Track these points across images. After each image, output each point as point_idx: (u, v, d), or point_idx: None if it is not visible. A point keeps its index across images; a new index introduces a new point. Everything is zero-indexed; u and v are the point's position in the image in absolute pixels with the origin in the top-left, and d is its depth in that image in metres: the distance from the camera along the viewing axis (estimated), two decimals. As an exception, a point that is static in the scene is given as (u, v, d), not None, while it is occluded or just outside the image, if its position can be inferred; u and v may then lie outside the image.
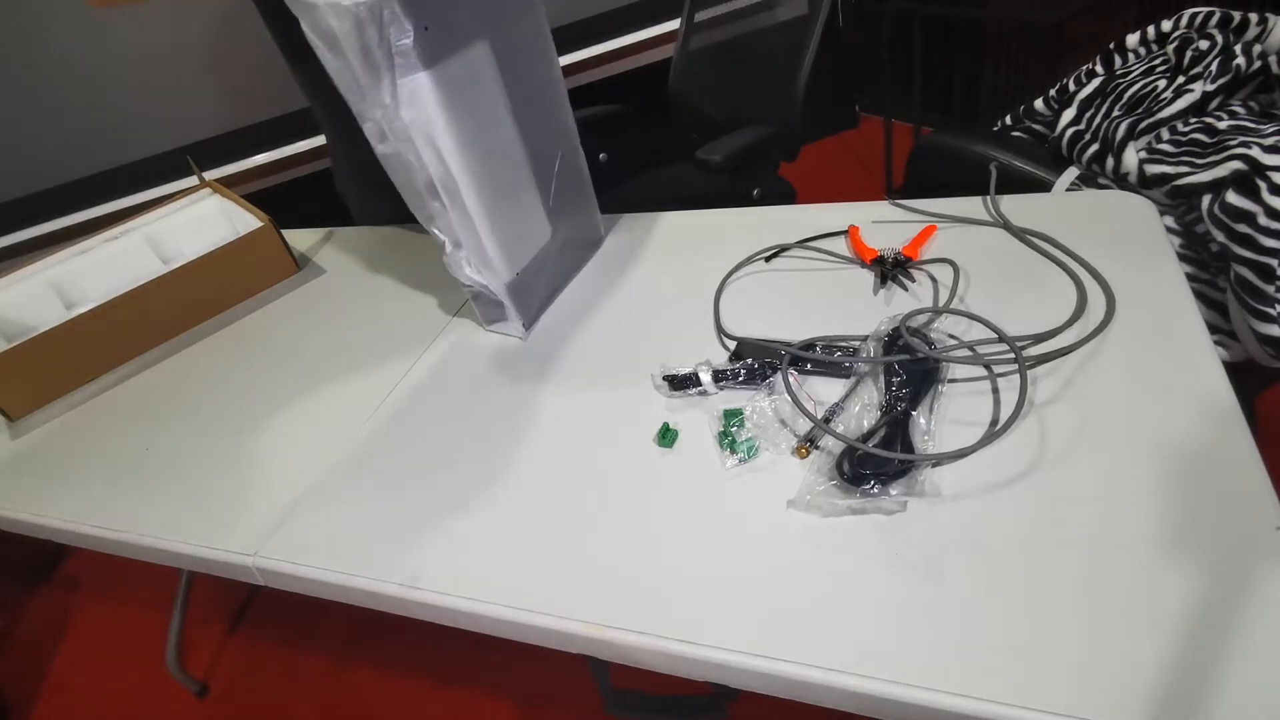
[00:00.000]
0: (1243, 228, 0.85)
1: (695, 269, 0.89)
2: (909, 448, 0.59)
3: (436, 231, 0.79)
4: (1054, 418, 0.59)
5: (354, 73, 0.65)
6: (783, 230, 0.91)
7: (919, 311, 0.72)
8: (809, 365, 0.70)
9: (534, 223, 0.85)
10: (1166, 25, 1.12)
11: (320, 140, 1.85)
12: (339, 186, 1.29)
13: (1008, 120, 1.30)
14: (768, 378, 0.69)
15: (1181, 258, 0.90)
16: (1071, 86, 1.19)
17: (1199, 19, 1.08)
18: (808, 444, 0.62)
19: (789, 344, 0.72)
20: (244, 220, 1.15)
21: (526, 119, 0.80)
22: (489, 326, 0.89)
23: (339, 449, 0.76)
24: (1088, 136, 1.08)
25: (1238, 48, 1.00)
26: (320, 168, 1.92)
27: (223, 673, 1.42)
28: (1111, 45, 1.18)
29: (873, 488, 0.56)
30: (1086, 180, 1.07)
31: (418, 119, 0.69)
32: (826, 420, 0.63)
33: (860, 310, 0.76)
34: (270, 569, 0.65)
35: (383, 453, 0.74)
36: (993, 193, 0.87)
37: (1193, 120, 1.00)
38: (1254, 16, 1.03)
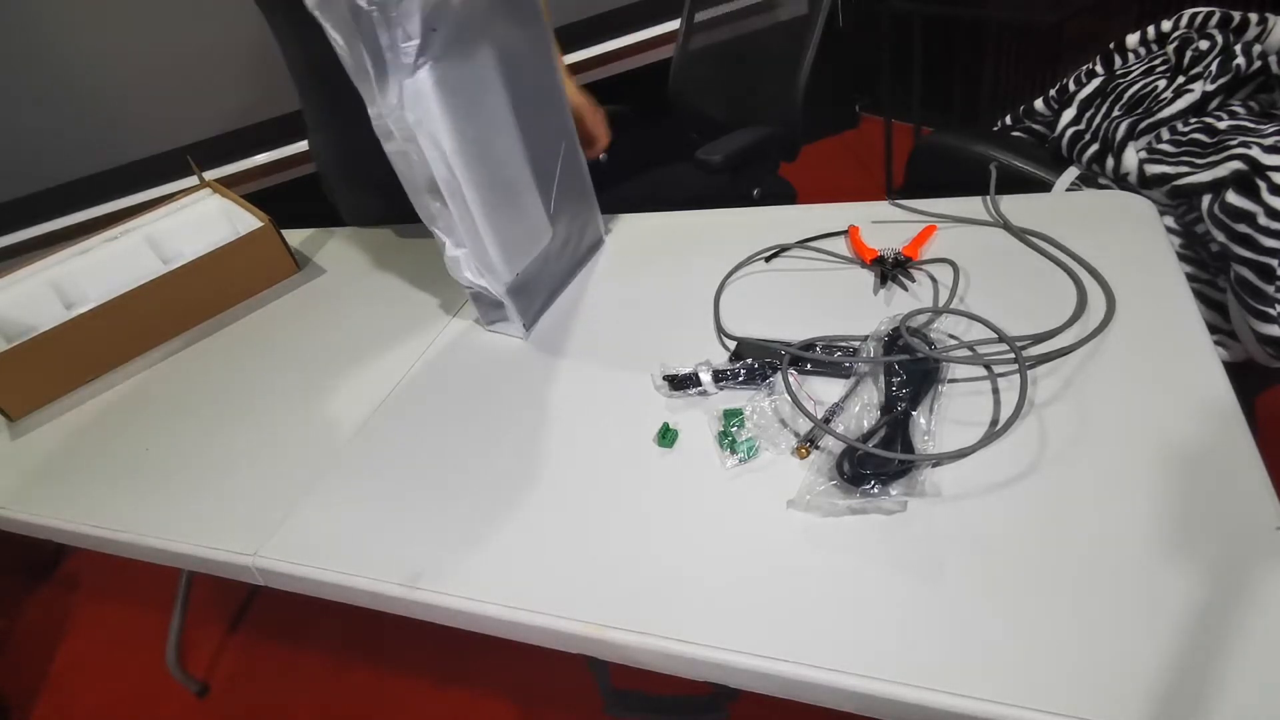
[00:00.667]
0: (1243, 228, 0.85)
1: (695, 269, 0.89)
2: (909, 448, 0.59)
3: (438, 232, 0.79)
4: (1054, 418, 0.59)
5: (367, 72, 0.66)
6: (783, 230, 0.91)
7: (919, 311, 0.72)
8: (809, 365, 0.70)
9: (535, 224, 0.85)
10: (1166, 25, 1.12)
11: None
12: (325, 186, 1.28)
13: (1008, 120, 1.30)
14: (768, 378, 0.69)
15: (1181, 258, 0.90)
16: (1071, 86, 1.19)
17: (1199, 19, 1.08)
18: (808, 444, 0.62)
19: (789, 344, 0.72)
20: (244, 220, 1.15)
21: (528, 120, 0.81)
22: (489, 326, 0.89)
23: (339, 449, 0.76)
24: (1088, 136, 1.08)
25: (1238, 48, 1.00)
26: (320, 168, 1.92)
27: (223, 673, 1.42)
28: (1111, 45, 1.18)
29: (873, 488, 0.56)
30: (1086, 180, 1.07)
31: (422, 119, 0.69)
32: (826, 420, 0.63)
33: (860, 310, 0.76)
34: (270, 569, 0.65)
35: (383, 453, 0.74)
36: (993, 193, 0.87)
37: (1193, 120, 1.00)
38: (1254, 16, 1.03)
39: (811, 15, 1.30)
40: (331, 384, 0.87)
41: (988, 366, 0.65)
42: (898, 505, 0.55)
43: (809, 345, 0.72)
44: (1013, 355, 0.64)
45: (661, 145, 1.68)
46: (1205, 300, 0.94)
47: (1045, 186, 1.10)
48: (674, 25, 1.87)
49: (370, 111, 0.70)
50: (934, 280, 0.78)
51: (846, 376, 0.68)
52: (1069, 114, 1.13)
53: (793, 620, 0.50)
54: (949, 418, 0.62)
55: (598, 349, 0.81)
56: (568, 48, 2.06)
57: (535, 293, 0.88)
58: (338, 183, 1.24)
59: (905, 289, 0.78)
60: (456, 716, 1.24)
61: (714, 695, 0.71)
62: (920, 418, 0.61)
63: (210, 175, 1.34)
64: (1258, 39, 1.02)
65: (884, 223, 0.88)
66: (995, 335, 0.68)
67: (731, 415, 0.66)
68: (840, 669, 0.47)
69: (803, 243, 0.88)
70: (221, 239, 1.09)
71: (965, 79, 2.21)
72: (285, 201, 1.33)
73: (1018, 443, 0.58)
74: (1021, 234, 0.80)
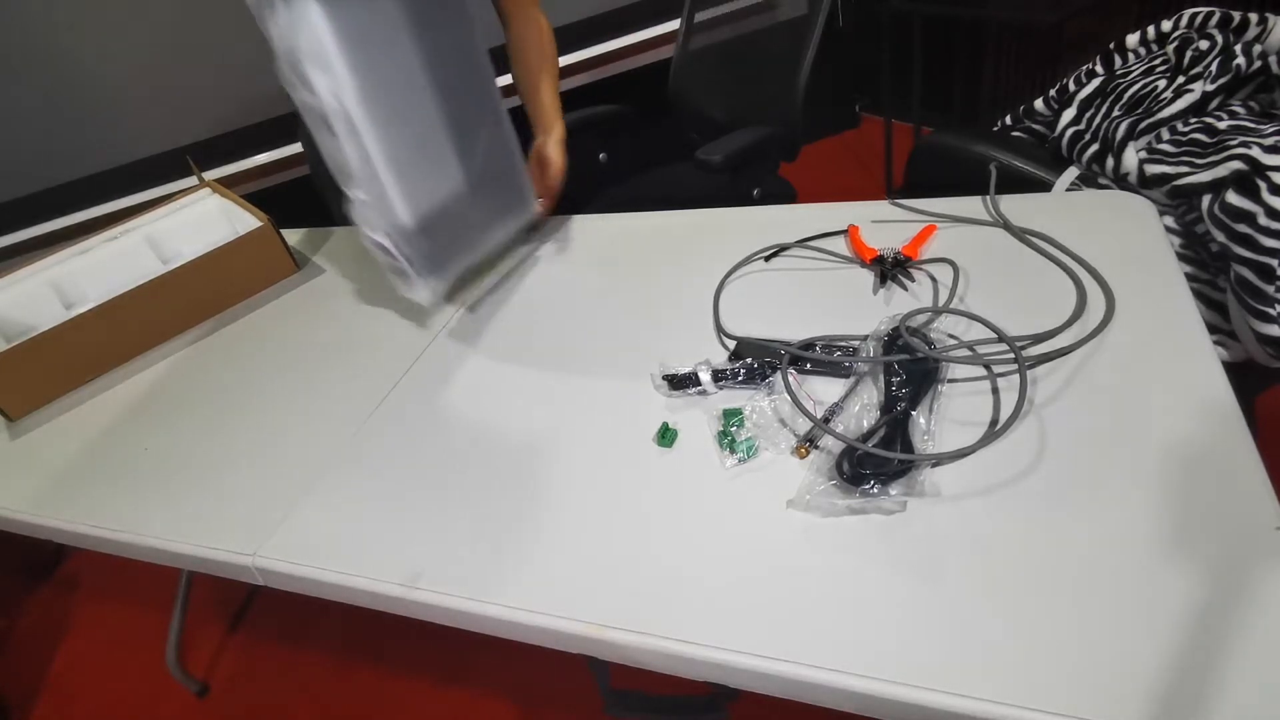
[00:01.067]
0: (1243, 228, 0.85)
1: (695, 269, 0.89)
2: (909, 448, 0.59)
3: (347, 189, 0.78)
4: (1054, 418, 0.59)
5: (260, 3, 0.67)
6: (783, 230, 0.91)
7: (919, 311, 0.72)
8: (809, 365, 0.70)
9: (444, 172, 0.83)
10: (1166, 25, 1.12)
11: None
12: (318, 186, 1.28)
13: (1008, 120, 1.30)
14: (767, 377, 0.69)
15: (1181, 258, 0.90)
16: (1071, 86, 1.19)
17: (1199, 19, 1.08)
18: (807, 444, 0.62)
19: (789, 344, 0.72)
20: (244, 220, 1.15)
21: (444, 78, 0.80)
22: (406, 293, 0.86)
23: (339, 448, 0.76)
24: (1088, 136, 1.08)
25: (1238, 48, 1.00)
26: (320, 168, 1.92)
27: (223, 673, 1.42)
28: (1111, 45, 1.18)
29: (872, 488, 0.56)
30: (1086, 180, 1.07)
31: (317, 51, 0.70)
32: (826, 420, 0.63)
33: (860, 310, 0.76)
34: (270, 569, 0.65)
35: (382, 452, 0.74)
36: (992, 193, 0.87)
37: (1193, 120, 1.00)
38: (1254, 16, 1.03)
39: (811, 15, 1.30)
40: (331, 383, 0.87)
41: (987, 366, 0.65)
42: (897, 505, 0.55)
43: (809, 345, 0.72)
44: (1012, 355, 0.64)
45: (661, 145, 1.68)
46: (1205, 300, 0.94)
47: (1045, 186, 1.10)
48: (674, 25, 1.87)
49: (275, 58, 0.70)
50: (934, 280, 0.78)
51: (846, 376, 0.68)
52: (1069, 114, 1.13)
53: (792, 620, 0.50)
54: (949, 418, 0.62)
55: (597, 348, 0.81)
56: (568, 48, 2.07)
57: (446, 252, 0.86)
58: (329, 183, 1.24)
59: (905, 289, 0.78)
60: (456, 716, 1.24)
61: (714, 695, 0.71)
62: (920, 418, 0.61)
63: (210, 175, 1.34)
64: (1258, 39, 1.02)
65: (884, 222, 0.88)
66: (995, 335, 0.68)
67: (731, 415, 0.66)
68: (840, 669, 0.46)
69: (802, 242, 0.88)
70: (221, 239, 1.09)
71: (965, 79, 2.21)
72: (285, 201, 1.33)
73: (1017, 443, 0.58)
74: (1021, 234, 0.80)
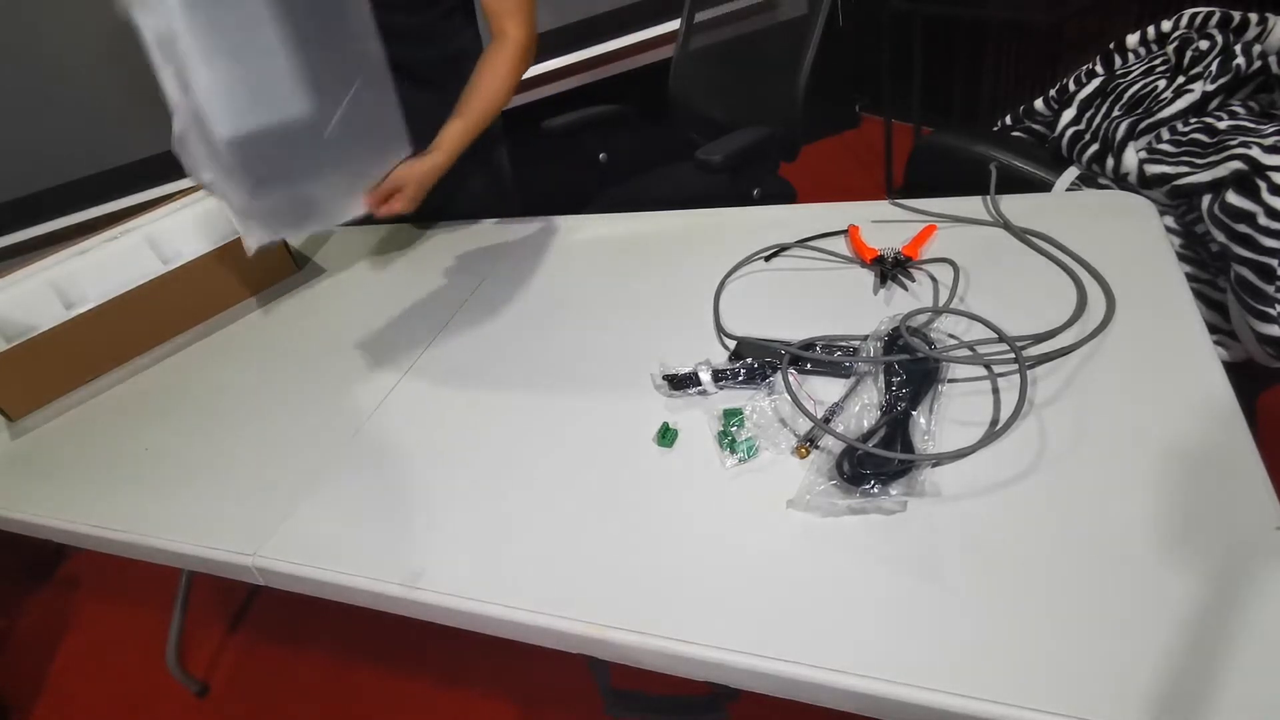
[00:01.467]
0: (1243, 228, 0.85)
1: (695, 269, 0.89)
2: (909, 448, 0.59)
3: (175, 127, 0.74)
4: (1054, 418, 0.59)
5: None
6: (783, 230, 0.91)
7: (919, 311, 0.72)
8: (809, 365, 0.70)
9: (281, 90, 0.76)
10: (1166, 25, 1.12)
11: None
12: None
13: (1008, 120, 1.30)
14: (768, 377, 0.69)
15: (1181, 258, 0.90)
16: (1071, 86, 1.19)
17: (1199, 19, 1.08)
18: (808, 444, 0.62)
19: (789, 344, 0.72)
20: (244, 220, 1.15)
21: (305, 29, 0.74)
22: (247, 241, 0.81)
23: (339, 449, 0.76)
24: (1088, 136, 1.09)
25: (1238, 48, 1.00)
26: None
27: (223, 673, 1.42)
28: (1111, 45, 1.18)
29: (873, 488, 0.56)
30: (1086, 180, 1.08)
31: None
32: (826, 420, 0.63)
33: (860, 310, 0.76)
34: (270, 569, 0.65)
35: (383, 452, 0.74)
36: (993, 193, 0.87)
37: (1193, 120, 1.00)
38: (1254, 16, 1.03)
39: (811, 15, 1.30)
40: (331, 384, 0.87)
41: (988, 366, 0.65)
42: (897, 505, 0.55)
43: (809, 345, 0.72)
44: (1013, 355, 0.64)
45: (661, 145, 1.68)
46: (1205, 300, 0.94)
47: (1045, 186, 1.10)
48: (674, 25, 1.87)
49: None
50: (934, 280, 0.78)
51: (846, 376, 0.68)
52: (1069, 114, 1.13)
53: (792, 620, 0.50)
54: (949, 418, 0.62)
55: (597, 348, 0.81)
56: (567, 47, 2.06)
57: (282, 189, 0.80)
58: None
59: (905, 289, 0.78)
60: (456, 716, 1.24)
61: (714, 695, 0.71)
62: (920, 418, 0.61)
63: (210, 175, 1.33)
64: (1258, 39, 1.02)
65: (884, 222, 0.88)
66: (995, 335, 0.68)
67: (731, 415, 0.66)
68: (840, 669, 0.46)
69: (803, 242, 0.88)
70: (221, 239, 1.09)
71: (965, 79, 2.21)
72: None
73: (1018, 443, 0.58)
74: (1021, 234, 0.80)
